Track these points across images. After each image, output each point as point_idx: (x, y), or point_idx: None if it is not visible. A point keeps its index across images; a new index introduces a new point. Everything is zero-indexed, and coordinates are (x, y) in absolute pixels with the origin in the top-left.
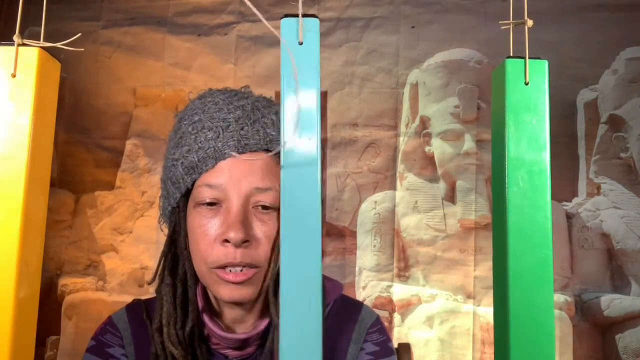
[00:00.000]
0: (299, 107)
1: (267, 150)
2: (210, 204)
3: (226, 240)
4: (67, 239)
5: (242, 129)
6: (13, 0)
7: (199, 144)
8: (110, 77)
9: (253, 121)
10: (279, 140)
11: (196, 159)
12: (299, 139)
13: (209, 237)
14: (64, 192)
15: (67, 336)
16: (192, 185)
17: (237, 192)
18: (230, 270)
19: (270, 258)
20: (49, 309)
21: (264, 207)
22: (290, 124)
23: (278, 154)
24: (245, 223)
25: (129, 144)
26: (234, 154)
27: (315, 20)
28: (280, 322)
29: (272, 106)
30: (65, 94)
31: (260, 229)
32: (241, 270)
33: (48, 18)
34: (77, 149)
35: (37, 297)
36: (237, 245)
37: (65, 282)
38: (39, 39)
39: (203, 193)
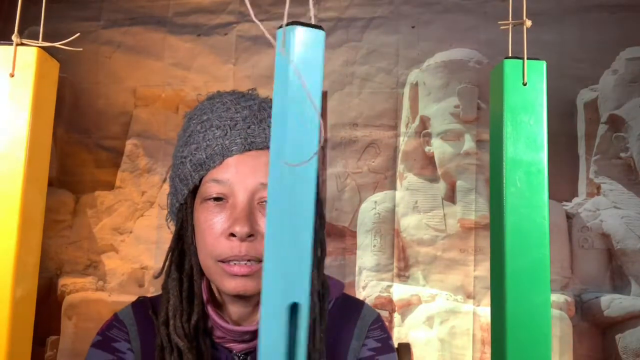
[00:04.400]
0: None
1: None
2: (217, 199)
3: (232, 234)
4: (67, 239)
5: (249, 127)
6: (13, 0)
7: (207, 142)
8: (110, 77)
9: (260, 120)
10: None
11: (204, 156)
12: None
13: (215, 231)
14: (64, 192)
15: (67, 336)
16: (200, 182)
17: (243, 188)
18: (235, 264)
19: None
20: (49, 309)
21: None
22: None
23: None
24: (250, 218)
25: (129, 144)
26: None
27: (321, 32)
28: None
29: None
30: (65, 94)
31: (265, 224)
32: (246, 264)
33: (48, 18)
34: (77, 149)
35: (35, 295)
36: (242, 239)
37: (65, 282)
38: (38, 39)
39: (210, 188)
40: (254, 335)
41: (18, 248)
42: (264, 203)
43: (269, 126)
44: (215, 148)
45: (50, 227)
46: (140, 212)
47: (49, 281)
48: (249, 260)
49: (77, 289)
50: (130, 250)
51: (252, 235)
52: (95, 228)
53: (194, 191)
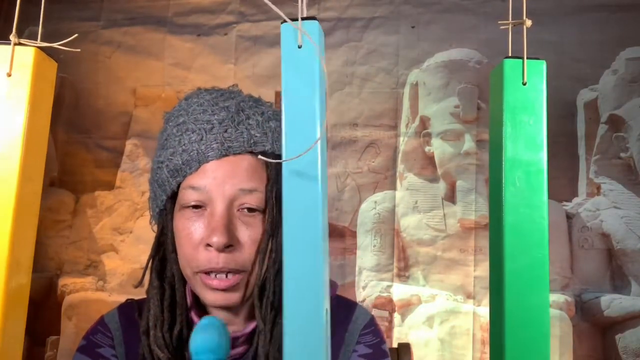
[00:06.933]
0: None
1: (252, 152)
2: (195, 206)
3: (209, 245)
4: (67, 239)
5: (225, 131)
6: (12, 0)
7: (183, 147)
8: (110, 77)
9: (237, 123)
10: (264, 142)
11: (180, 162)
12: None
13: (193, 240)
14: (64, 192)
15: (67, 336)
16: (178, 187)
17: (221, 195)
18: (215, 276)
19: (254, 262)
20: (49, 309)
21: (250, 210)
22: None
23: (263, 156)
24: (229, 227)
25: (129, 144)
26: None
27: (315, 23)
28: (284, 329)
29: (259, 106)
30: (65, 94)
31: (245, 233)
32: (226, 276)
33: (48, 18)
34: (77, 149)
35: (27, 297)
36: (219, 250)
37: (65, 282)
38: (38, 39)
39: (187, 196)
40: (236, 342)
41: (11, 249)
42: (244, 210)
43: (247, 128)
44: (192, 153)
45: (50, 227)
46: (140, 212)
47: (49, 281)
48: (228, 272)
49: (77, 289)
50: (130, 250)
51: (230, 245)
52: (95, 228)
53: (173, 197)
